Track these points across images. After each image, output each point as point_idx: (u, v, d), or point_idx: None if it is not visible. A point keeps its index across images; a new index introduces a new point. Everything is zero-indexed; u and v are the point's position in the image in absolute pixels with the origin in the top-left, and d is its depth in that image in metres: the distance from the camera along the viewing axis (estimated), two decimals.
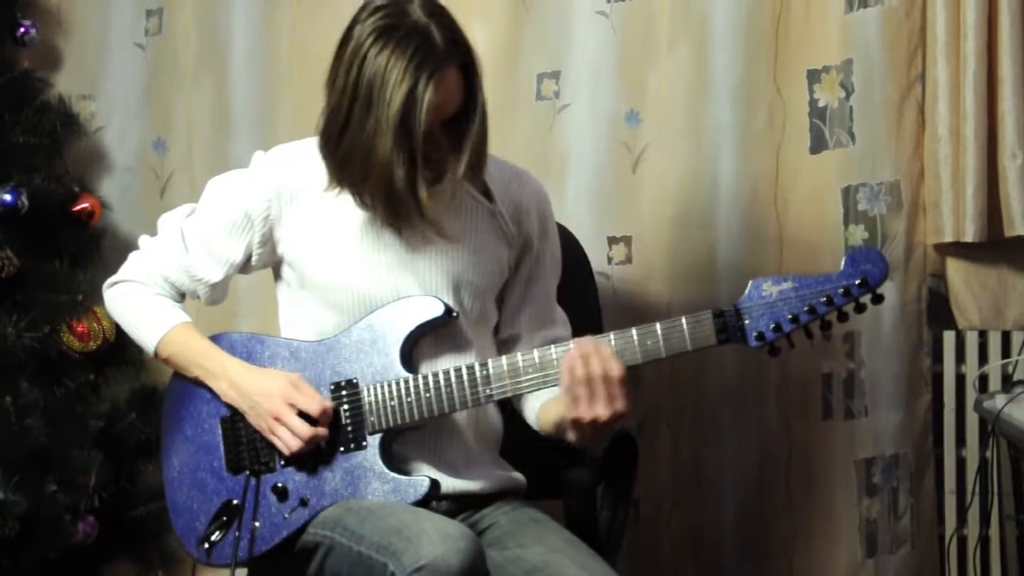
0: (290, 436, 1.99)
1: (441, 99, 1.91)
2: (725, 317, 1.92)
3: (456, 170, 1.96)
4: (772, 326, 1.91)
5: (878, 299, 1.92)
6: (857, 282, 1.90)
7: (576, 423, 1.90)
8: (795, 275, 1.92)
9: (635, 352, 1.94)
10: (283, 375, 2.03)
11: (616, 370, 1.88)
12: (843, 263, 1.91)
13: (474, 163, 1.97)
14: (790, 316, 1.91)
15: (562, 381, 1.90)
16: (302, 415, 2.00)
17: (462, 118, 1.96)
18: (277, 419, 2.00)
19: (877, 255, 1.91)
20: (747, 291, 1.93)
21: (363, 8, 1.96)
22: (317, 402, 2.00)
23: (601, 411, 1.88)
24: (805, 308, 1.91)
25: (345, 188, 1.99)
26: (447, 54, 1.91)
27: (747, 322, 1.92)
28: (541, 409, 2.09)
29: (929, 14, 2.74)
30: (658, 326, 1.94)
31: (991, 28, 2.69)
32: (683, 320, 1.93)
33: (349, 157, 1.95)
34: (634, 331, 1.94)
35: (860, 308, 1.93)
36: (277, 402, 2.00)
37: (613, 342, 1.94)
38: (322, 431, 2.00)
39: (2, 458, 2.61)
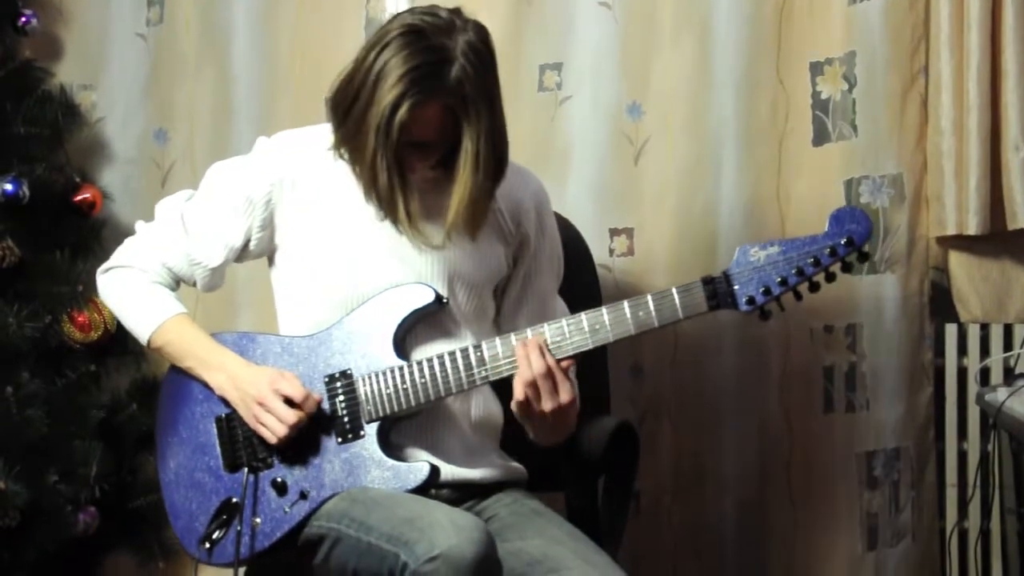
0: (275, 422, 1.99)
1: (413, 123, 1.90)
2: (715, 284, 1.95)
3: (447, 218, 1.97)
4: (762, 290, 1.93)
5: (864, 257, 1.94)
6: (843, 241, 1.92)
7: (530, 419, 1.98)
8: (782, 239, 1.94)
9: (627, 324, 1.95)
10: (275, 369, 2.04)
11: (550, 359, 1.94)
12: (828, 224, 1.93)
13: (467, 212, 1.96)
14: (779, 279, 1.93)
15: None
16: (289, 404, 2.00)
17: (452, 158, 1.95)
18: (261, 404, 2.00)
19: (861, 214, 1.93)
20: (735, 257, 1.95)
21: (426, 7, 1.96)
22: (300, 388, 2.00)
23: (545, 405, 1.94)
24: (793, 270, 1.93)
25: (345, 158, 2.00)
26: (443, 90, 1.89)
27: (737, 287, 1.94)
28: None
29: (932, 6, 2.73)
30: (649, 297, 1.96)
31: (995, 20, 2.69)
32: (673, 290, 1.95)
33: (350, 136, 1.95)
34: (626, 303, 1.96)
35: (847, 267, 1.95)
36: (263, 387, 2.00)
37: (605, 316, 1.96)
38: (305, 411, 1.99)
39: (3, 449, 2.61)
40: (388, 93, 1.88)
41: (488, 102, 1.93)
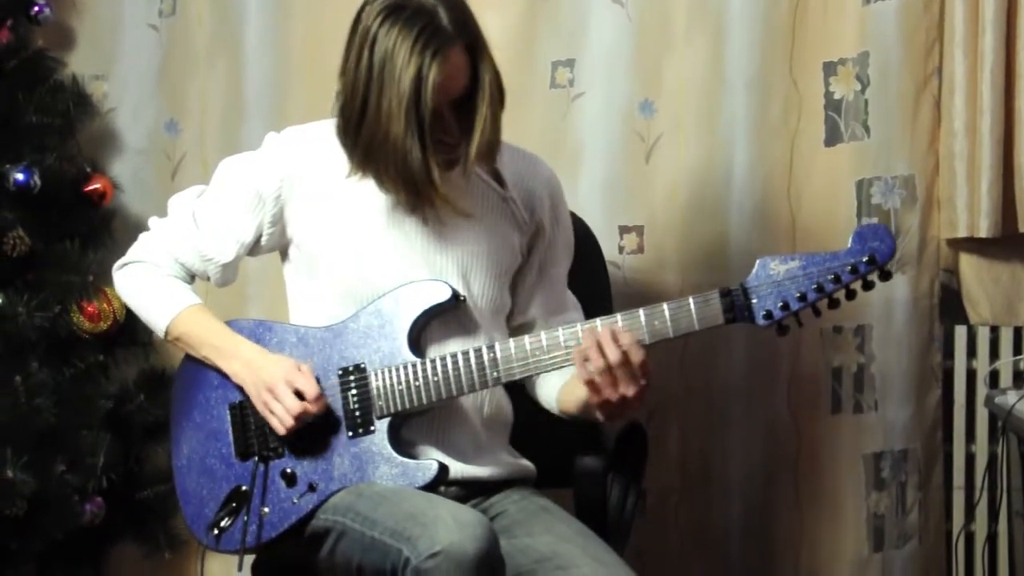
0: (283, 411, 1.99)
1: (446, 78, 1.91)
2: (732, 296, 1.92)
3: (468, 152, 1.96)
4: (780, 305, 1.90)
5: (886, 276, 1.91)
6: (865, 259, 1.89)
7: (603, 405, 1.92)
8: (802, 253, 1.91)
9: (643, 332, 1.93)
10: (293, 361, 2.04)
11: (637, 356, 1.89)
12: (850, 240, 1.90)
13: (485, 146, 1.96)
14: (798, 294, 1.90)
15: (577, 372, 1.90)
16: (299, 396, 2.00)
17: (470, 100, 1.95)
18: (271, 391, 2.00)
19: (884, 232, 1.90)
20: (754, 270, 1.92)
21: None
22: (314, 386, 2.00)
23: (625, 391, 1.89)
24: (813, 286, 1.90)
25: (369, 175, 1.99)
26: (452, 34, 1.91)
27: (754, 301, 1.91)
28: (562, 392, 2.09)
29: (947, 8, 2.73)
30: (665, 306, 1.93)
31: (1009, 23, 2.69)
32: (690, 300, 1.93)
33: (371, 144, 1.95)
34: (641, 312, 1.94)
35: (868, 285, 1.91)
36: (276, 377, 2.00)
37: (620, 323, 1.94)
38: (311, 407, 1.99)
39: (11, 438, 2.61)
40: (407, 71, 1.88)
41: (480, 32, 1.96)
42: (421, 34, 1.89)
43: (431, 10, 1.91)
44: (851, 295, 1.92)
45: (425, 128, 1.91)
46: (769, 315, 1.91)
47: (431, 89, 1.89)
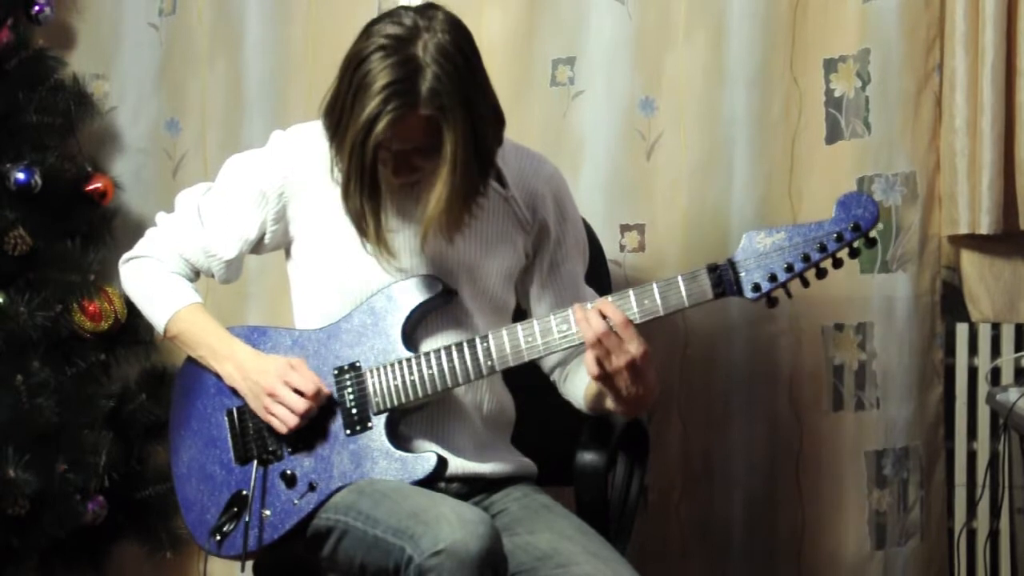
0: (285, 412, 2.00)
1: (397, 135, 1.90)
2: (720, 271, 1.93)
3: (423, 214, 1.96)
4: (768, 276, 1.92)
5: (871, 243, 1.92)
6: (849, 227, 1.90)
7: (610, 385, 1.92)
8: (788, 226, 1.92)
9: (633, 312, 1.94)
10: (284, 358, 2.04)
11: (617, 316, 1.90)
12: (834, 209, 1.91)
13: (443, 217, 1.95)
14: (785, 265, 1.91)
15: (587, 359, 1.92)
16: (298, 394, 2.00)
17: (437, 158, 1.93)
18: (271, 395, 2.00)
19: (867, 199, 1.91)
20: (741, 243, 1.93)
21: (393, 11, 1.94)
22: (311, 381, 2.00)
23: (621, 360, 1.89)
24: (799, 256, 1.91)
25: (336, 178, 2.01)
26: (419, 101, 1.87)
27: (743, 274, 1.92)
28: (585, 390, 2.11)
29: (948, 4, 2.73)
30: (655, 285, 1.94)
31: (1010, 19, 2.68)
32: (679, 277, 1.94)
33: (338, 146, 1.96)
34: (631, 291, 1.95)
35: (854, 253, 1.92)
36: (272, 378, 2.01)
37: (610, 300, 1.95)
38: (314, 405, 2.00)
39: (12, 437, 2.61)
40: (367, 106, 1.87)
41: (464, 103, 1.90)
42: (389, 86, 1.86)
43: (415, 68, 1.87)
44: (838, 263, 1.93)
45: (366, 165, 1.91)
46: (757, 287, 1.92)
47: (373, 143, 1.89)
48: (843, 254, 1.92)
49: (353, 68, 1.90)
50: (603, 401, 2.02)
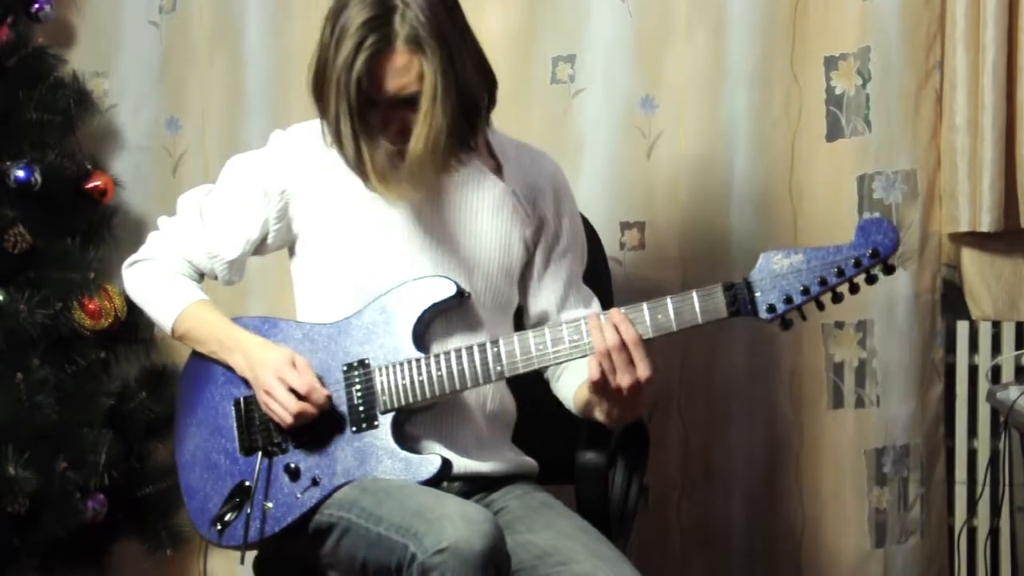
0: (281, 409, 2.00)
1: (379, 79, 1.92)
2: (736, 290, 1.91)
3: (408, 150, 1.96)
4: (783, 298, 1.90)
5: (889, 270, 1.91)
6: (868, 253, 1.88)
7: (607, 397, 1.92)
8: (805, 248, 1.91)
9: (646, 326, 1.93)
10: (286, 351, 2.03)
11: (630, 334, 1.89)
12: (854, 234, 1.89)
13: (423, 148, 1.94)
14: (801, 288, 1.90)
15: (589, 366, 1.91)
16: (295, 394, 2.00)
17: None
18: (268, 393, 2.00)
19: (888, 226, 1.89)
20: (758, 264, 1.91)
21: None
22: (306, 382, 2.00)
23: (626, 379, 1.89)
24: (816, 280, 1.89)
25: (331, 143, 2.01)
26: (396, 37, 1.90)
27: (758, 295, 1.91)
28: (575, 393, 2.10)
29: (948, 2, 2.73)
30: (669, 300, 1.93)
31: (1011, 16, 2.68)
32: (694, 293, 1.92)
33: (325, 108, 1.96)
34: (645, 305, 1.93)
35: (871, 279, 1.91)
36: (269, 375, 2.00)
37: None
38: (310, 408, 1.99)
39: (12, 435, 2.61)
40: (345, 45, 1.90)
41: (442, 42, 1.92)
42: (366, 23, 1.90)
43: (391, 7, 1.91)
44: (854, 289, 1.91)
45: (352, 106, 1.92)
46: (772, 308, 1.91)
47: (355, 77, 1.90)
48: (860, 279, 1.90)
49: (334, 18, 1.93)
50: (592, 410, 2.00)
